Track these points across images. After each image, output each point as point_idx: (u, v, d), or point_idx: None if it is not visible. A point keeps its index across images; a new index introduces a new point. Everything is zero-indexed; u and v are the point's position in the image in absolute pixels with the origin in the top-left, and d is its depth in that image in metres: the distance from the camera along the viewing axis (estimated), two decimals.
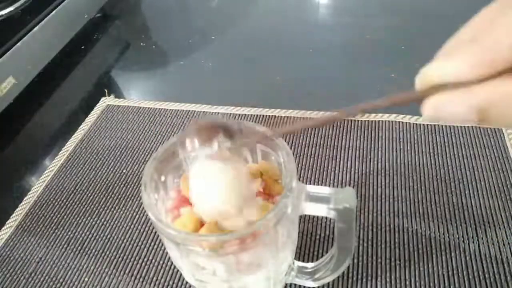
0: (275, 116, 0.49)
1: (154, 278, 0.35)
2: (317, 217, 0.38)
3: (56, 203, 0.43)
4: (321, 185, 0.41)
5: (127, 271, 0.36)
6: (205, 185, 0.24)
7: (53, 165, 0.47)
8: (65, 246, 0.39)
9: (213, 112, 0.50)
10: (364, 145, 0.44)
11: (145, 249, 0.37)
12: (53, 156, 0.48)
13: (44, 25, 0.59)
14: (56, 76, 0.62)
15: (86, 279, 0.36)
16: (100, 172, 0.45)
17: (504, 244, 0.34)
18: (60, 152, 0.48)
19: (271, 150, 0.28)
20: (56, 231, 0.40)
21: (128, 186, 0.43)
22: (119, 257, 0.37)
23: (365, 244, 0.35)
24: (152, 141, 0.48)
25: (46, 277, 0.36)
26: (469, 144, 0.43)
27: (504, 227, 0.35)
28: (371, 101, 0.17)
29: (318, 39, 0.63)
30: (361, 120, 0.46)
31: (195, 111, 0.51)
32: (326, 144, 0.44)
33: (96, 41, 0.70)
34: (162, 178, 0.28)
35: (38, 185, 0.45)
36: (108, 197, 0.42)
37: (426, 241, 0.35)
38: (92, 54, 0.67)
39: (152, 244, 0.38)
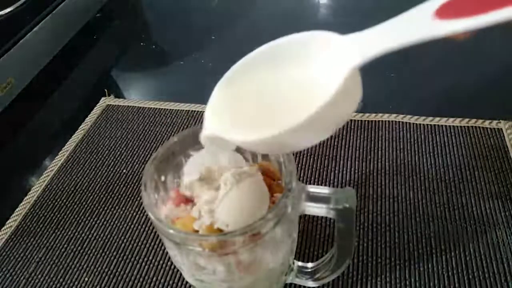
0: None
1: (154, 278, 0.35)
2: (317, 217, 0.38)
3: (56, 203, 0.43)
4: (321, 185, 0.41)
5: (127, 271, 0.36)
6: (237, 203, 0.24)
7: (53, 165, 0.47)
8: (65, 246, 0.39)
9: None
10: (364, 145, 0.44)
11: (145, 249, 0.37)
12: (53, 156, 0.48)
13: (44, 25, 0.59)
14: (56, 76, 0.62)
15: (86, 279, 0.36)
16: (100, 172, 0.45)
17: (504, 244, 0.34)
18: (60, 152, 0.48)
19: None
20: (56, 231, 0.40)
21: (128, 186, 0.43)
22: (119, 257, 0.37)
23: (365, 244, 0.35)
24: (152, 141, 0.48)
25: (46, 277, 0.36)
26: (469, 144, 0.42)
27: (504, 227, 0.35)
28: None
29: None
30: (361, 120, 0.46)
31: (195, 111, 0.51)
32: (326, 144, 0.44)
33: (96, 41, 0.70)
34: (162, 178, 0.28)
35: (38, 185, 0.45)
36: (108, 197, 0.42)
37: (426, 241, 0.35)
38: (92, 54, 0.67)
39: (152, 244, 0.38)
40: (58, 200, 0.43)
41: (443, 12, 0.18)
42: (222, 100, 0.23)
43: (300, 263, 0.32)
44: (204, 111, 0.23)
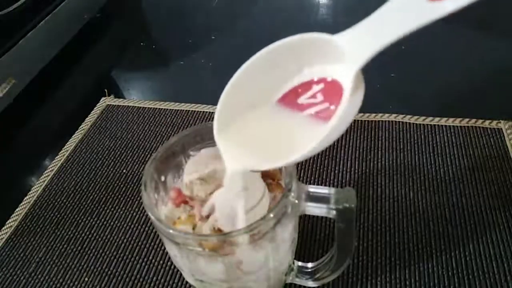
0: None
1: (154, 278, 0.35)
2: (317, 217, 0.38)
3: (56, 203, 0.42)
4: (321, 185, 0.41)
5: (127, 271, 0.36)
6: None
7: (53, 165, 0.47)
8: (65, 246, 0.39)
9: (212, 113, 0.49)
10: (364, 145, 0.44)
11: (145, 249, 0.37)
12: (53, 156, 0.48)
13: (44, 25, 0.59)
14: (56, 76, 0.62)
15: (86, 279, 0.36)
16: (100, 172, 0.45)
17: (504, 244, 0.34)
18: (60, 152, 0.48)
19: None
20: (56, 231, 0.40)
21: (128, 186, 0.43)
22: (119, 257, 0.37)
23: (365, 244, 0.35)
24: (152, 141, 0.48)
25: (46, 277, 0.36)
26: (469, 144, 0.43)
27: (504, 227, 0.35)
28: None
29: None
30: (361, 120, 0.46)
31: (195, 111, 0.51)
32: None
33: (96, 41, 0.70)
34: (162, 178, 0.28)
35: (38, 185, 0.45)
36: (108, 197, 0.42)
37: (426, 241, 0.35)
38: (92, 54, 0.67)
39: (152, 244, 0.38)
40: (58, 200, 0.43)
41: None
42: (231, 128, 0.23)
43: (300, 263, 0.32)
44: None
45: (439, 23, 0.16)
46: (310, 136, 0.20)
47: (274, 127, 0.22)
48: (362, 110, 0.46)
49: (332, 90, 0.21)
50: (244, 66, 0.22)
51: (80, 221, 0.41)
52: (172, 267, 0.36)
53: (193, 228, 0.25)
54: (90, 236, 0.39)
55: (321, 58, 0.21)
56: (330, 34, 0.20)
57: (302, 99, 0.22)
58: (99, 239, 0.39)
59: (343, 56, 0.19)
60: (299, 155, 0.20)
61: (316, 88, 0.22)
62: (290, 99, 0.22)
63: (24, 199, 0.43)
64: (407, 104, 0.48)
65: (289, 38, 0.21)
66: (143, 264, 0.36)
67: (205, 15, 0.75)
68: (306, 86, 0.22)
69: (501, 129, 0.43)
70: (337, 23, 0.67)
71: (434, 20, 0.16)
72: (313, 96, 0.22)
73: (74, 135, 0.50)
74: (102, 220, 0.40)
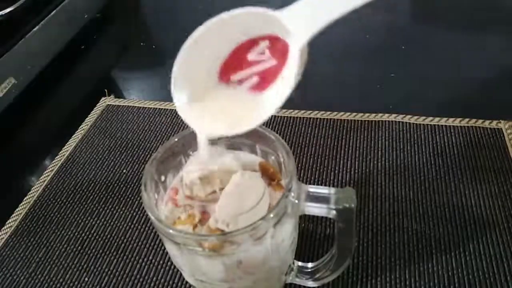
0: (274, 116, 0.49)
1: (154, 278, 0.35)
2: (317, 217, 0.38)
3: (56, 203, 0.42)
4: (321, 185, 0.41)
5: (127, 271, 0.36)
6: (238, 203, 0.24)
7: (53, 165, 0.47)
8: (65, 246, 0.39)
9: None
10: (364, 145, 0.44)
11: (145, 249, 0.37)
12: (53, 156, 0.48)
13: (44, 25, 0.59)
14: (56, 76, 0.62)
15: (86, 279, 0.36)
16: (100, 172, 0.45)
17: (504, 244, 0.34)
18: (60, 152, 0.48)
19: (271, 150, 0.28)
20: (56, 231, 0.40)
21: (128, 186, 0.43)
22: (119, 257, 0.37)
23: (365, 244, 0.35)
24: (152, 141, 0.48)
25: (46, 277, 0.36)
26: (469, 144, 0.43)
27: (504, 227, 0.35)
28: None
29: (318, 38, 0.63)
30: (361, 120, 0.46)
31: None
32: (326, 144, 0.44)
33: (96, 41, 0.70)
34: (162, 178, 0.28)
35: (38, 185, 0.45)
36: (108, 197, 0.42)
37: (426, 241, 0.35)
38: (92, 54, 0.67)
39: (152, 244, 0.38)
40: (58, 200, 0.43)
41: None
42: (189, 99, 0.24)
43: (300, 263, 0.32)
44: None
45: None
46: (252, 107, 0.22)
47: (223, 100, 0.24)
48: (362, 110, 0.47)
49: (279, 47, 0.22)
50: (189, 41, 0.23)
51: (80, 221, 0.41)
52: (172, 267, 0.36)
53: (193, 228, 0.25)
54: (90, 236, 0.39)
55: (268, 31, 0.22)
56: (274, 10, 0.20)
57: (252, 55, 0.23)
58: (99, 239, 0.39)
59: (289, 31, 0.20)
60: (244, 129, 0.23)
61: (263, 44, 0.22)
62: (235, 65, 0.23)
63: (24, 199, 0.43)
64: (407, 104, 0.48)
65: (234, 10, 0.22)
66: (143, 264, 0.36)
67: (205, 15, 0.75)
68: (253, 43, 0.23)
69: (501, 129, 0.43)
70: (337, 23, 0.67)
71: None
72: (261, 52, 0.22)
73: (74, 135, 0.50)
74: (102, 220, 0.40)
